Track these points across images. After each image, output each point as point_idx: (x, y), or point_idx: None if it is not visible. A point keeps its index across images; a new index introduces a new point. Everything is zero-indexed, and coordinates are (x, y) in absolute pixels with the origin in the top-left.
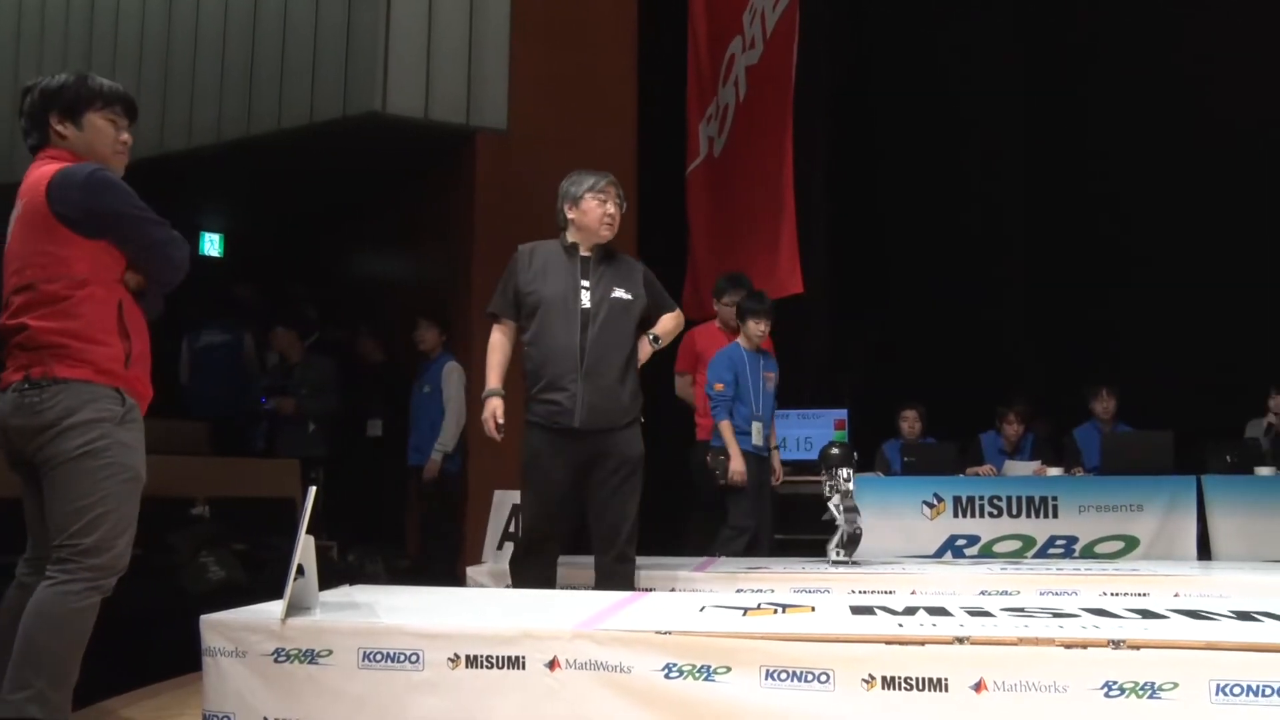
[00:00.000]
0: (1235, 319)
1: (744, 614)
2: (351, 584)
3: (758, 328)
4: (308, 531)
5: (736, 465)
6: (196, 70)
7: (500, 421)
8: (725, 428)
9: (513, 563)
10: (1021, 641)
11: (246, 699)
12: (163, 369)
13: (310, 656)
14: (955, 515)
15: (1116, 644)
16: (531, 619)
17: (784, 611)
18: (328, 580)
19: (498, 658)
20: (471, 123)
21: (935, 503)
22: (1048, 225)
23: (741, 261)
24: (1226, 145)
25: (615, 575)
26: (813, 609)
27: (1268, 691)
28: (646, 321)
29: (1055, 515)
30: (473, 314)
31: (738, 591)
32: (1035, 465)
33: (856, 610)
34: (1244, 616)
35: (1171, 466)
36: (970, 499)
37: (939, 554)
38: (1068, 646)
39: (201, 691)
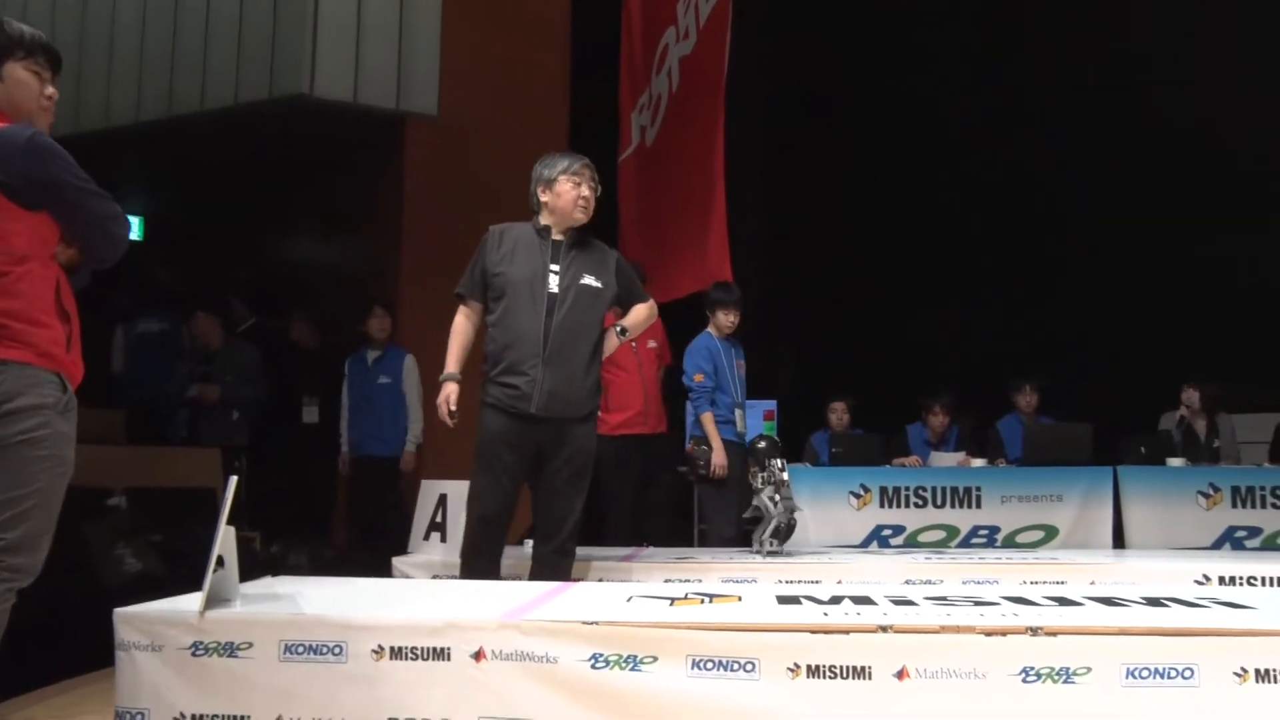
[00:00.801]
0: (1151, 318)
1: (671, 604)
2: (274, 575)
3: (727, 318)
4: (229, 522)
5: (719, 459)
6: (114, 46)
7: (453, 408)
8: (707, 419)
9: (464, 554)
10: (943, 630)
11: (162, 694)
12: (85, 355)
13: (229, 650)
14: (881, 506)
15: (1034, 631)
16: (457, 609)
17: (711, 601)
18: (249, 572)
19: (423, 649)
20: (401, 107)
21: (862, 493)
22: (976, 224)
23: (671, 250)
24: (1150, 151)
25: (554, 568)
26: (739, 599)
27: (1172, 674)
28: (616, 311)
29: (978, 505)
30: (401, 300)
31: (665, 582)
32: (960, 456)
33: (783, 600)
34: (1153, 602)
35: (1090, 458)
36: (896, 490)
37: (865, 544)
38: (988, 634)
39: (114, 688)
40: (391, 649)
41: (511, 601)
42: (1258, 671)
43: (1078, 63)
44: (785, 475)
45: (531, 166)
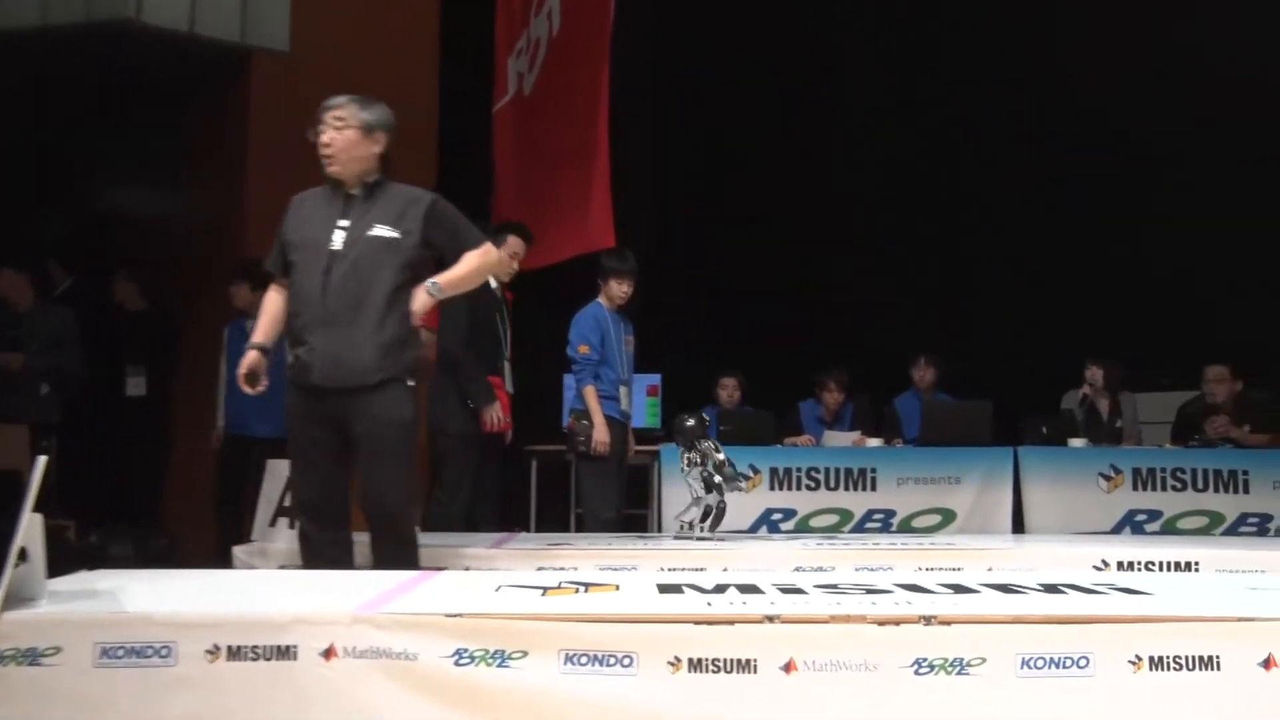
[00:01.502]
0: (1055, 293)
1: (543, 594)
2: (92, 569)
3: (620, 288)
4: (35, 508)
5: (600, 435)
6: None
7: (246, 371)
8: (590, 393)
9: (299, 543)
10: (833, 619)
11: None
12: None
13: (32, 657)
14: (772, 488)
15: (928, 620)
16: (305, 603)
17: (586, 591)
18: (61, 566)
19: (265, 648)
20: (247, 41)
21: (751, 475)
22: (872, 194)
23: (551, 211)
24: (1053, 125)
25: (394, 557)
26: (617, 588)
27: (1067, 663)
28: (430, 263)
29: (874, 488)
30: (246, 257)
31: (538, 570)
32: (855, 436)
33: (664, 589)
34: (1051, 589)
35: (990, 437)
36: (788, 470)
37: (754, 529)
38: (880, 624)
39: None
40: (229, 649)
41: (366, 593)
42: (1151, 659)
43: (994, 50)
44: (721, 455)
45: (394, 112)
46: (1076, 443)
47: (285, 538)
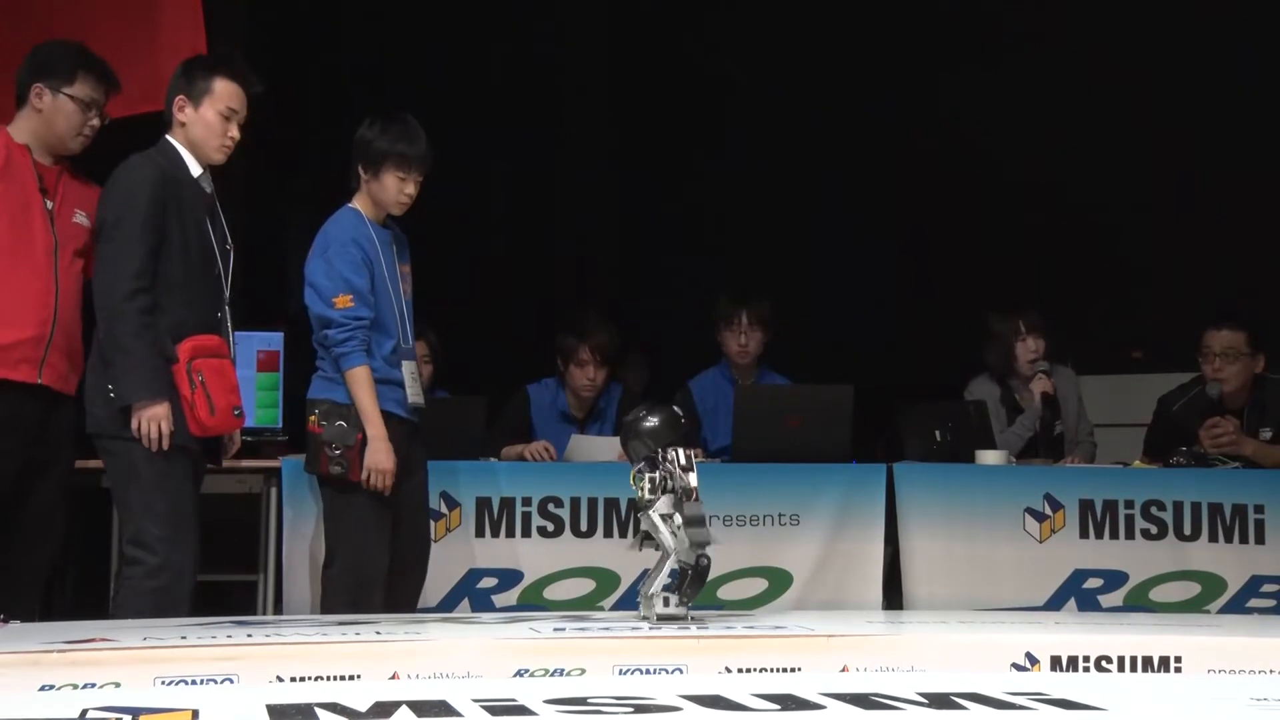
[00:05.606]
0: (961, 210)
1: None
2: None
3: (403, 188)
4: None
5: (381, 460)
6: None
7: None
8: (360, 379)
9: None
10: None
11: None
12: None
13: None
14: (479, 533)
15: None
16: None
17: None
18: None
19: None
20: None
21: (443, 511)
22: None
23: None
24: None
25: None
26: (194, 715)
27: None
28: None
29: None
30: None
31: (41, 690)
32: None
33: (279, 714)
34: (940, 702)
35: (849, 447)
36: (506, 503)
37: (449, 605)
38: None
39: None
40: None
41: None
42: None
43: None
44: (693, 478)
45: None
46: (991, 457)
47: None
